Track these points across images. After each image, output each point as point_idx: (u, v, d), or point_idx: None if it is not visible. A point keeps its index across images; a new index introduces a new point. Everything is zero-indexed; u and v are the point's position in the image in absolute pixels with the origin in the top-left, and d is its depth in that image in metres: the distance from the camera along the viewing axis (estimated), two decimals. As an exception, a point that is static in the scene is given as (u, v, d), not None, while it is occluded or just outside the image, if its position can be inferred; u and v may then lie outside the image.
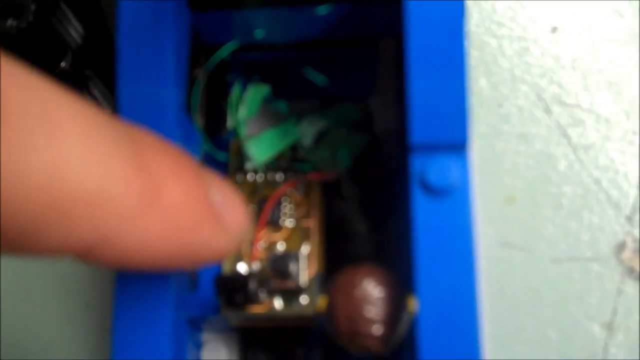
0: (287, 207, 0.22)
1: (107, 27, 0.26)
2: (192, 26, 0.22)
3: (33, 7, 0.23)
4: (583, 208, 0.29)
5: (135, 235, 0.15)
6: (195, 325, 0.22)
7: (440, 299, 0.18)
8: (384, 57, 0.22)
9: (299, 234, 0.22)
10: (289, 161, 0.23)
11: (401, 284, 0.19)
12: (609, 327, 0.27)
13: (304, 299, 0.22)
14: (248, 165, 0.23)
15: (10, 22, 0.23)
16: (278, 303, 0.22)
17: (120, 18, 0.20)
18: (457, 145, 0.18)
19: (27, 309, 0.29)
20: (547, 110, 0.30)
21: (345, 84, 0.23)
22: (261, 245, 0.22)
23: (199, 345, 0.23)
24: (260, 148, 0.22)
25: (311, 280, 0.22)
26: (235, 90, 0.23)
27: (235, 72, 0.24)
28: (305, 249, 0.22)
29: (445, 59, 0.18)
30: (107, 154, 0.14)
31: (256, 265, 0.22)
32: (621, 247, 0.28)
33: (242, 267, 0.22)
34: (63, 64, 0.25)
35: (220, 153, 0.22)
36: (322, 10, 0.21)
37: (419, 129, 0.18)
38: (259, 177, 0.23)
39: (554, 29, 0.31)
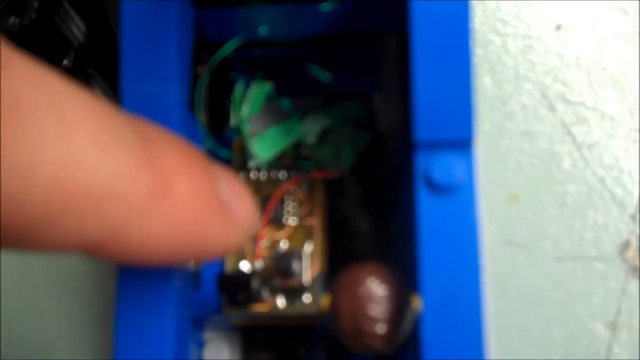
0: (290, 205, 0.22)
1: (110, 25, 0.26)
2: (195, 23, 0.22)
3: (35, 4, 0.23)
4: (587, 206, 0.29)
5: (144, 230, 0.15)
6: (198, 324, 0.22)
7: (444, 297, 0.18)
8: (388, 53, 0.22)
9: (302, 232, 0.22)
10: (293, 159, 0.23)
11: (405, 282, 0.19)
12: (613, 326, 0.27)
13: (306, 298, 0.21)
14: (251, 163, 0.23)
15: (12, 20, 0.23)
16: (281, 302, 0.21)
17: (123, 15, 0.20)
18: (462, 143, 0.18)
19: (29, 307, 0.29)
20: (552, 109, 0.30)
21: (349, 81, 0.23)
22: (264, 243, 0.22)
23: (201, 344, 0.23)
24: (263, 146, 0.22)
25: (314, 279, 0.22)
26: (239, 87, 0.23)
27: (239, 70, 0.23)
28: (308, 248, 0.22)
29: (451, 55, 0.18)
30: (117, 149, 0.14)
31: (259, 264, 0.22)
32: (625, 246, 0.28)
33: (244, 266, 0.22)
34: (65, 62, 0.25)
35: (223, 151, 0.22)
36: (326, 7, 0.21)
37: (423, 126, 0.18)
38: (262, 175, 0.23)
39: (559, 27, 0.30)
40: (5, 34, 0.23)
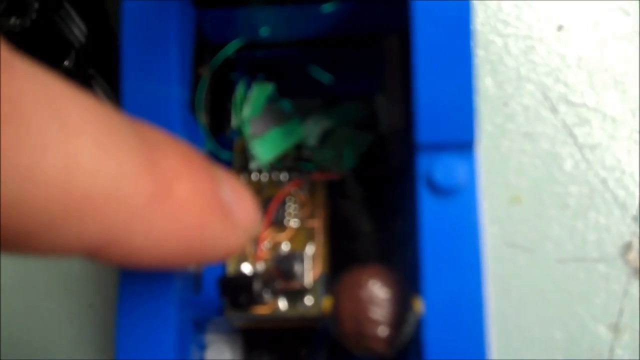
0: (291, 207, 0.22)
1: (111, 26, 0.26)
2: (197, 24, 0.22)
3: (36, 5, 0.23)
4: (589, 208, 0.29)
5: (146, 233, 0.15)
6: (199, 326, 0.22)
7: (446, 300, 0.18)
8: (390, 54, 0.22)
9: (304, 234, 0.22)
10: (294, 161, 0.23)
11: (407, 284, 0.19)
12: (615, 328, 0.27)
13: (308, 300, 0.21)
14: (252, 165, 0.22)
15: (13, 21, 0.23)
16: (282, 304, 0.21)
17: (124, 15, 0.20)
18: (464, 145, 0.18)
19: (29, 309, 0.29)
20: (553, 110, 0.30)
21: (350, 82, 0.23)
22: (265, 245, 0.22)
23: (202, 347, 0.23)
24: (264, 147, 0.22)
25: (316, 281, 0.21)
26: (240, 88, 0.23)
27: (240, 71, 0.23)
28: (309, 250, 0.22)
29: (453, 56, 0.18)
30: (118, 151, 0.14)
31: (260, 266, 0.22)
32: (627, 247, 0.28)
33: (246, 268, 0.22)
34: (66, 63, 0.24)
35: (224, 152, 0.22)
36: (328, 8, 0.21)
37: (425, 127, 0.18)
38: (264, 177, 0.23)
39: (560, 28, 0.30)
40: (6, 34, 0.23)
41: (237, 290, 0.20)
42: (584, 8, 0.30)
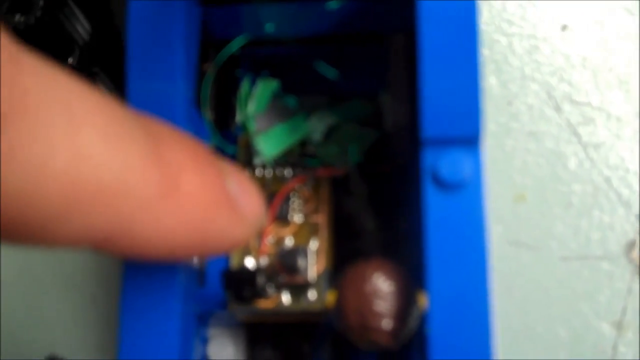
0: (295, 203, 0.22)
1: (115, 24, 0.26)
2: (202, 21, 0.22)
3: (41, 3, 0.23)
4: (593, 207, 0.29)
5: (152, 225, 0.15)
6: (202, 320, 0.22)
7: (451, 295, 0.18)
8: (395, 52, 0.22)
9: (308, 230, 0.22)
10: (298, 157, 0.23)
11: (411, 278, 0.19)
12: (619, 326, 0.27)
13: (312, 294, 0.21)
14: (257, 160, 0.23)
15: (18, 18, 0.23)
16: (286, 298, 0.21)
17: (129, 12, 0.20)
18: (469, 140, 0.18)
19: (31, 302, 0.29)
20: (558, 109, 0.30)
21: (355, 80, 0.23)
22: (269, 240, 0.22)
23: (205, 340, 0.23)
24: (269, 143, 0.22)
25: (319, 276, 0.21)
26: (245, 85, 0.23)
27: (245, 67, 0.23)
28: (313, 245, 0.22)
29: (458, 52, 0.18)
30: (125, 145, 0.14)
31: (264, 260, 0.22)
32: (631, 245, 0.28)
33: (250, 262, 0.22)
34: (70, 60, 0.25)
35: (229, 147, 0.22)
36: (333, 5, 0.21)
37: (431, 122, 0.18)
38: (268, 173, 0.23)
39: (564, 27, 0.30)
40: (11, 32, 0.23)
41: (240, 284, 0.20)
42: (588, 8, 0.30)
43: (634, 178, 0.29)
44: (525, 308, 0.28)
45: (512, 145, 0.30)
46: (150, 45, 0.20)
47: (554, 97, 0.30)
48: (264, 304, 0.21)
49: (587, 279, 0.28)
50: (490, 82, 0.31)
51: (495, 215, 0.29)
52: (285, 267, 0.21)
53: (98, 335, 0.28)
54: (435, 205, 0.18)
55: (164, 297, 0.19)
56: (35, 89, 0.13)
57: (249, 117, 0.22)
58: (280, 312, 0.21)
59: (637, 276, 0.28)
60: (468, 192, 0.18)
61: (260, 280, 0.20)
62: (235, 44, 0.22)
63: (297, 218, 0.22)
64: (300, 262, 0.21)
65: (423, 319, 0.19)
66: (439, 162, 0.18)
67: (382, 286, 0.18)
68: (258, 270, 0.20)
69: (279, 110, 0.23)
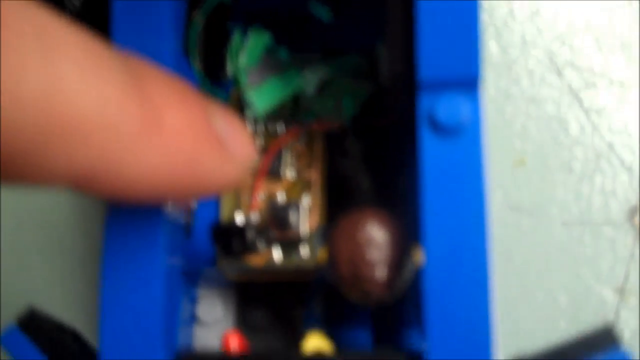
0: (288, 158, 0.22)
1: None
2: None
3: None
4: (595, 172, 0.28)
5: (135, 162, 0.15)
6: (191, 278, 0.21)
7: (448, 246, 0.17)
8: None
9: (300, 186, 0.21)
10: (291, 112, 0.22)
11: (406, 230, 0.18)
12: (621, 291, 0.26)
13: (304, 251, 0.21)
14: (248, 115, 0.22)
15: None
16: (277, 255, 0.21)
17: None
18: (468, 83, 0.17)
19: (20, 269, 0.28)
20: (559, 74, 0.29)
21: (351, 31, 0.22)
22: (260, 196, 0.21)
23: (193, 300, 0.22)
24: (261, 97, 0.21)
25: (312, 232, 0.21)
26: (236, 37, 0.22)
27: (236, 19, 0.23)
28: (306, 201, 0.21)
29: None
30: (103, 78, 0.14)
31: (255, 216, 0.21)
32: (634, 211, 0.27)
33: (240, 217, 0.21)
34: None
35: (220, 97, 0.21)
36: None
37: (428, 65, 0.17)
38: (259, 128, 0.22)
39: (567, -9, 0.30)
40: None
41: (230, 237, 0.19)
42: (591, -28, 0.30)
43: (637, 143, 0.28)
44: (524, 274, 0.27)
45: (512, 111, 0.29)
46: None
47: (555, 62, 0.29)
48: (254, 260, 0.21)
49: (589, 245, 0.27)
50: (490, 47, 0.30)
51: (494, 181, 0.28)
52: (276, 222, 0.20)
53: (88, 298, 0.28)
54: (432, 151, 0.17)
55: (147, 248, 0.19)
56: (9, 15, 0.12)
57: (240, 69, 0.21)
58: (271, 269, 0.21)
59: (640, 241, 0.27)
60: (466, 138, 0.17)
61: (250, 234, 0.19)
62: (225, -9, 0.21)
63: (289, 174, 0.22)
64: (292, 216, 0.20)
65: (418, 273, 0.19)
66: (436, 105, 0.17)
67: (375, 235, 0.18)
68: (248, 224, 0.19)
69: (271, 64, 0.22)
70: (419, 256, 0.19)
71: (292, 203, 0.20)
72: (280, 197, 0.21)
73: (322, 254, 0.20)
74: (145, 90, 0.15)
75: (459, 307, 0.17)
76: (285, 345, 0.22)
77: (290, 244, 0.21)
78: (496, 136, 0.29)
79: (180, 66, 0.20)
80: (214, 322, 0.22)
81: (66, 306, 0.27)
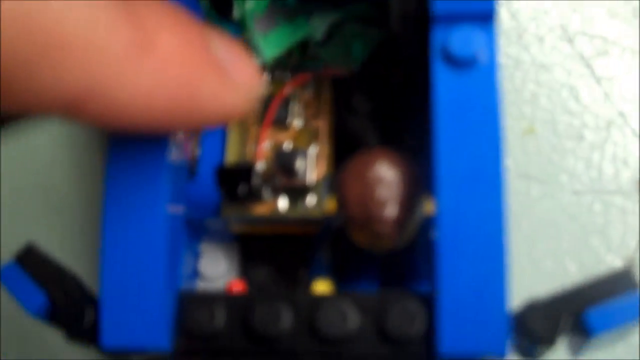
0: (295, 107, 0.21)
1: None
2: None
3: None
4: (606, 140, 0.27)
5: (126, 86, 0.14)
6: (194, 232, 0.21)
7: (462, 182, 0.16)
8: None
9: (308, 135, 0.21)
10: (299, 59, 0.22)
11: (417, 169, 0.18)
12: (631, 260, 0.26)
13: (310, 200, 0.20)
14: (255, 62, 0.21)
15: None
16: (283, 203, 0.20)
17: None
18: (483, 15, 0.17)
19: (20, 235, 0.28)
20: (570, 41, 0.29)
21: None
22: (266, 145, 0.21)
23: (196, 255, 0.22)
24: (269, 43, 0.21)
25: (319, 181, 0.20)
26: (242, -19, 0.21)
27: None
28: (313, 150, 0.20)
29: None
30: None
31: (261, 165, 0.20)
32: (646, 179, 0.27)
33: (245, 162, 0.21)
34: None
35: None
36: None
37: (441, -3, 0.17)
38: (266, 76, 0.22)
39: (579, -42, 0.29)
40: None
41: (235, 181, 0.19)
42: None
43: (650, 112, 0.28)
44: (534, 242, 0.26)
45: (522, 77, 0.29)
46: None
47: (567, 30, 0.29)
48: (259, 209, 0.20)
49: (599, 214, 0.27)
50: (501, 13, 0.29)
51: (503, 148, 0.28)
52: (282, 169, 0.20)
53: (88, 264, 0.27)
54: (446, 85, 0.17)
55: (149, 193, 0.18)
56: None
57: (247, 13, 0.21)
58: (276, 218, 0.20)
59: (652, 208, 0.26)
60: (481, 71, 0.17)
61: (256, 179, 0.19)
62: None
63: (296, 123, 0.21)
64: (299, 163, 0.20)
65: (430, 224, 0.18)
66: (450, 37, 0.17)
67: (385, 174, 0.17)
68: (254, 169, 0.19)
69: (279, 10, 0.22)
70: (431, 207, 0.18)
71: (299, 150, 0.20)
72: (287, 146, 0.21)
73: (329, 204, 0.20)
74: (136, 14, 0.14)
75: (473, 247, 0.16)
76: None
77: (296, 193, 0.20)
78: (505, 103, 0.28)
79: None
80: (217, 277, 0.22)
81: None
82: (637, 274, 0.24)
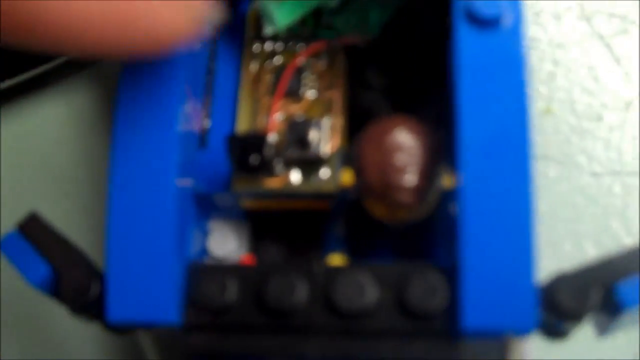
0: (308, 78, 0.20)
1: None
2: None
3: None
4: (625, 121, 0.27)
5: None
6: (203, 208, 0.20)
7: (487, 148, 0.16)
8: None
9: (321, 106, 0.20)
10: (313, 29, 0.21)
11: (437, 137, 0.17)
12: (654, 243, 0.25)
13: (324, 173, 0.19)
14: (268, 31, 0.20)
15: None
16: (295, 176, 0.19)
17: None
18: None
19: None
20: (588, 20, 0.28)
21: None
22: (278, 116, 0.20)
23: (205, 233, 0.21)
24: (282, 10, 0.20)
25: (333, 154, 0.19)
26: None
27: None
28: (327, 122, 0.20)
29: None
30: None
31: (273, 138, 0.20)
32: (666, 161, 0.26)
33: (257, 131, 0.20)
34: None
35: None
36: None
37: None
38: (279, 46, 0.21)
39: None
40: None
41: (247, 150, 0.18)
42: None
43: (671, 92, 0.27)
44: (552, 224, 0.26)
45: (539, 57, 0.28)
46: None
47: (585, 8, 0.28)
48: (271, 183, 0.19)
49: (618, 196, 0.26)
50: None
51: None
52: (295, 140, 0.19)
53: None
54: (469, 47, 0.16)
55: (158, 165, 0.17)
56: None
57: (259, -19, 0.20)
58: (289, 192, 0.19)
59: (673, 190, 0.25)
60: (505, 31, 0.16)
61: (269, 150, 0.18)
62: None
63: (309, 94, 0.20)
64: (313, 134, 0.19)
65: (449, 198, 0.17)
66: (474, -4, 0.16)
67: (404, 140, 0.16)
68: (266, 138, 0.18)
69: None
70: (449, 181, 0.17)
71: (313, 120, 0.19)
72: (299, 117, 0.20)
73: (343, 177, 0.19)
74: None
75: (499, 216, 0.16)
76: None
77: (309, 166, 0.19)
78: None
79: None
80: (226, 255, 0.21)
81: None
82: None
